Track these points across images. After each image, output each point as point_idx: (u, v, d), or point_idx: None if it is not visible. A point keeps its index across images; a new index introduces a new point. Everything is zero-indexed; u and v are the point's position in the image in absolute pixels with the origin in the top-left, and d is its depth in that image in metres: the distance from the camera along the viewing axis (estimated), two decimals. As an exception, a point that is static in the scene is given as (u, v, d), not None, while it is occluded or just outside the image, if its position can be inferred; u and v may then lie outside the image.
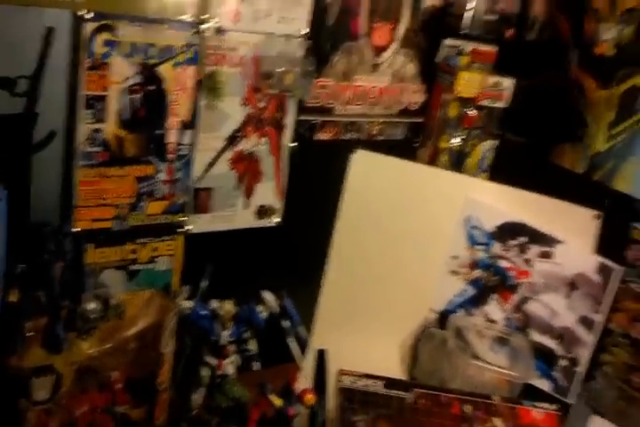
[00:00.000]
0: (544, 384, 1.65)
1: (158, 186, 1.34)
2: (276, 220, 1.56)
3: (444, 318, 1.69)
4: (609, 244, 1.64)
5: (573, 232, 1.65)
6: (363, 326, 1.62)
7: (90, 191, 1.26)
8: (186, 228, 1.42)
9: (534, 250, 1.68)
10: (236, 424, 1.20)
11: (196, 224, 1.44)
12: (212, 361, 1.25)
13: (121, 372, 1.11)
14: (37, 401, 1.00)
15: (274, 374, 1.29)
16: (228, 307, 1.29)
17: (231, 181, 1.46)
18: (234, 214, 1.49)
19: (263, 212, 1.53)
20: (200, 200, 1.43)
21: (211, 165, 1.41)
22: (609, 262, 1.62)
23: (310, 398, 1.21)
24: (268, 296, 1.31)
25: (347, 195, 1.61)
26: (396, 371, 1.63)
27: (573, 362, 1.64)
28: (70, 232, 1.17)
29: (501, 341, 1.67)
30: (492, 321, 1.71)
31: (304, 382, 1.28)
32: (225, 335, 1.26)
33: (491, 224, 1.71)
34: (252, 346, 1.29)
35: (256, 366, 1.28)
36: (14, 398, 0.98)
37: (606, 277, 1.62)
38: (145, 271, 1.38)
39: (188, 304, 1.25)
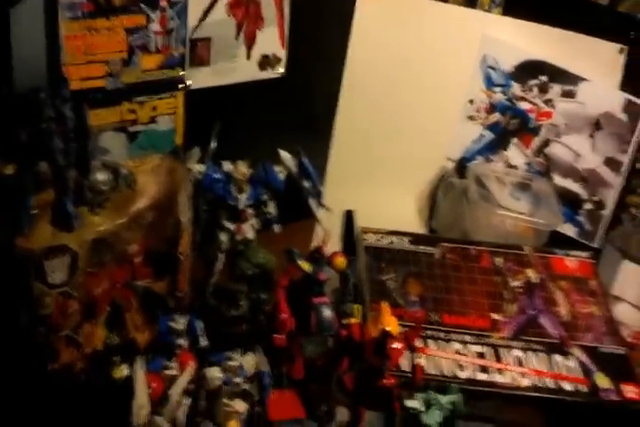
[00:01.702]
0: (569, 230, 1.60)
1: (151, 38, 1.21)
2: (280, 70, 1.42)
3: (462, 166, 1.61)
4: (636, 80, 1.53)
5: (597, 68, 1.54)
6: (377, 181, 1.54)
7: (78, 47, 1.13)
8: (185, 83, 1.29)
9: (556, 89, 1.58)
10: (265, 292, 1.14)
11: (196, 79, 1.31)
12: (231, 226, 1.16)
13: (139, 245, 1.02)
14: (54, 284, 0.91)
15: (294, 233, 1.21)
16: (242, 168, 1.18)
17: (230, 30, 1.32)
18: (235, 66, 1.36)
19: (266, 62, 1.40)
20: (198, 52, 1.30)
21: (207, 11, 1.26)
22: (636, 99, 1.51)
23: (341, 260, 1.14)
24: (285, 155, 1.20)
25: (354, 38, 1.47)
26: (415, 225, 1.57)
27: (599, 205, 1.58)
28: (69, 96, 1.03)
29: (524, 187, 1.60)
30: (513, 167, 1.63)
31: (332, 244, 1.21)
32: (242, 199, 1.17)
33: (509, 63, 1.59)
34: (271, 208, 1.20)
35: (277, 228, 1.20)
36: (28, 283, 0.89)
37: (633, 114, 1.53)
38: (146, 132, 1.27)
39: (199, 168, 1.14)
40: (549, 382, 1.20)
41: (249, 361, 1.00)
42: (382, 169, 1.56)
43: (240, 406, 0.93)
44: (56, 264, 0.92)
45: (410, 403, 1.05)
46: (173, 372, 0.92)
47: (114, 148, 1.24)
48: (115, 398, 0.89)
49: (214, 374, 0.93)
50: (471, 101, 1.62)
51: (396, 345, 1.04)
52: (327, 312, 1.11)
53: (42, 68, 1.08)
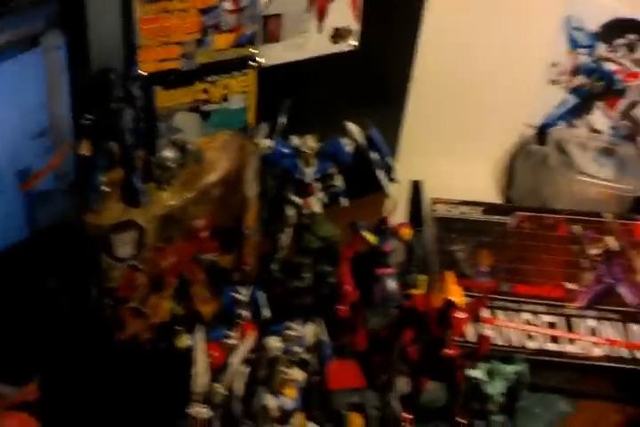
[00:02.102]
0: (656, 197, 1.54)
1: (224, 17, 1.22)
2: (353, 43, 1.42)
3: (542, 133, 1.57)
4: None
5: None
6: (453, 151, 1.52)
7: (152, 29, 1.16)
8: (257, 60, 1.31)
9: (645, 48, 1.50)
10: (330, 264, 1.16)
11: (268, 56, 1.32)
12: (298, 200, 1.18)
13: (206, 219, 1.06)
14: (122, 258, 0.97)
15: (362, 207, 1.22)
16: (310, 143, 1.20)
17: (302, 3, 1.32)
18: (307, 41, 1.37)
19: (339, 35, 1.40)
20: (270, 29, 1.31)
21: (278, -14, 1.27)
22: None
23: (407, 232, 1.14)
24: (353, 128, 1.20)
25: (429, 4, 1.44)
26: (492, 195, 1.54)
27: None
28: (138, 76, 1.08)
29: (608, 152, 1.54)
30: (597, 131, 1.57)
31: (398, 215, 1.21)
32: (309, 173, 1.18)
33: (595, 23, 1.52)
34: (339, 182, 1.21)
35: (344, 202, 1.21)
36: (97, 256, 0.95)
37: None
38: (219, 111, 1.31)
39: (267, 143, 1.17)
40: (623, 352, 1.17)
41: (309, 331, 1.02)
42: (458, 139, 1.54)
43: (298, 374, 0.95)
44: (123, 239, 0.97)
45: (472, 373, 1.05)
46: (234, 341, 0.95)
47: (187, 127, 1.28)
48: (178, 366, 0.93)
49: (274, 343, 0.96)
50: (554, 65, 1.57)
51: (460, 315, 1.04)
52: (392, 283, 1.12)
53: (116, 50, 1.13)
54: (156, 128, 1.11)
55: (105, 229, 0.96)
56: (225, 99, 1.31)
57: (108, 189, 1.00)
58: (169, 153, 1.06)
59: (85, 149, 1.00)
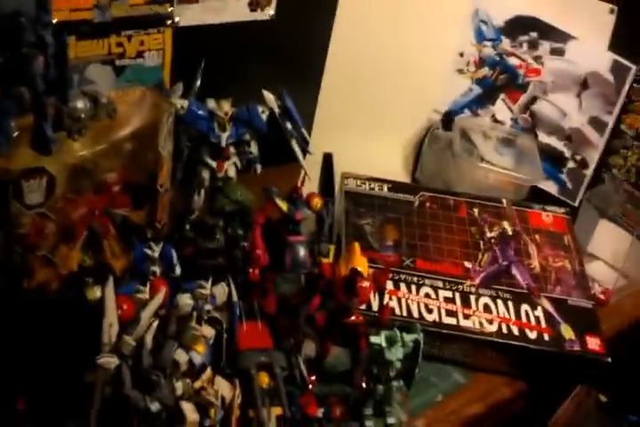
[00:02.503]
0: (551, 187, 1.62)
1: (139, -29, 1.20)
2: (270, 12, 1.42)
3: (448, 119, 1.62)
4: (624, 41, 1.53)
5: (587, 27, 1.53)
6: (364, 128, 1.54)
7: (65, -24, 1.12)
8: (173, 20, 1.29)
9: (545, 46, 1.58)
10: (241, 227, 1.15)
11: (185, 16, 1.30)
12: (212, 163, 1.17)
13: (118, 174, 1.03)
14: (31, 205, 0.93)
15: (276, 175, 1.22)
16: (225, 107, 1.19)
17: (221, -33, 1.31)
18: (225, 5, 1.35)
19: (256, 3, 1.39)
20: (187, -12, 1.29)
21: (197, -55, 1.25)
22: (624, 61, 1.52)
23: (317, 201, 1.15)
24: (268, 95, 1.20)
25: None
26: (399, 174, 1.58)
27: (582, 164, 1.59)
28: (51, 22, 1.03)
29: (508, 142, 1.61)
30: (499, 122, 1.64)
31: (310, 186, 1.22)
32: (224, 137, 1.18)
33: (500, 18, 1.59)
34: (253, 148, 1.21)
35: (258, 168, 1.21)
36: (5, 202, 0.90)
37: (620, 76, 1.53)
38: (133, 67, 1.28)
39: (182, 103, 1.15)
40: (515, 330, 1.23)
41: (220, 291, 1.02)
42: (369, 118, 1.56)
43: (207, 331, 0.95)
44: (33, 185, 0.93)
45: (374, 339, 1.07)
46: (145, 296, 0.94)
47: (100, 80, 1.24)
48: (87, 317, 0.91)
49: (185, 300, 0.95)
50: (461, 54, 1.63)
51: (364, 284, 1.06)
52: (302, 251, 1.13)
53: (27, -6, 1.07)
54: (68, 76, 1.07)
55: (14, 174, 0.92)
56: (140, 55, 1.28)
57: (17, 133, 0.95)
58: (80, 104, 1.02)
59: (-8, 93, 0.96)
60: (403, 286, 1.25)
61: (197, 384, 0.90)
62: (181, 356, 0.90)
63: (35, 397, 0.93)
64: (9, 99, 0.96)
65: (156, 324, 0.91)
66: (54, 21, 1.11)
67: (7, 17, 0.98)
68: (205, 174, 1.19)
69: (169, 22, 1.29)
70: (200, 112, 1.17)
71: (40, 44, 0.99)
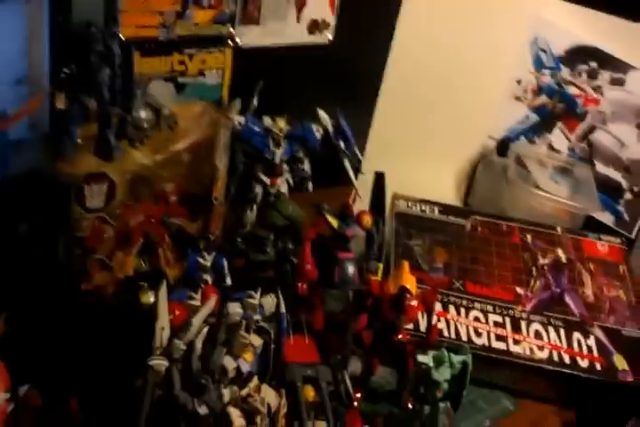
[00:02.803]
0: (607, 218, 1.59)
1: (205, -7, 1.23)
2: (328, 35, 1.44)
3: (503, 146, 1.62)
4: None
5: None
6: (418, 151, 1.55)
7: (135, -4, 1.15)
8: (235, 40, 1.32)
9: (605, 76, 1.57)
10: (292, 242, 1.16)
11: (245, 37, 1.33)
12: (266, 179, 1.19)
13: (175, 184, 1.06)
14: (91, 209, 0.95)
15: (328, 195, 1.23)
16: (280, 124, 1.20)
17: (282, -9, 1.34)
18: (284, 28, 1.38)
19: (315, 26, 1.42)
20: (248, 10, 1.32)
21: (259, -31, 1.29)
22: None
23: (368, 219, 1.15)
24: (323, 114, 1.22)
25: (405, 10, 1.48)
26: (451, 199, 1.58)
27: (639, 195, 1.57)
28: (118, 33, 1.07)
29: (564, 171, 1.60)
30: (556, 150, 1.62)
31: (361, 204, 1.23)
32: (278, 153, 1.19)
33: (560, 47, 1.58)
34: (306, 166, 1.22)
35: (309, 186, 1.22)
36: (68, 205, 0.93)
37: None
38: (194, 85, 1.31)
39: (239, 119, 1.17)
40: (566, 358, 1.20)
41: (268, 302, 1.02)
42: (423, 142, 1.57)
43: (256, 340, 0.95)
44: (95, 190, 0.96)
45: (421, 358, 1.06)
46: (197, 302, 0.95)
47: (162, 96, 1.27)
48: (140, 322, 0.92)
49: (235, 309, 0.95)
50: (519, 82, 1.62)
51: (412, 302, 1.06)
52: (351, 268, 1.13)
53: (99, 6, 1.12)
54: (133, 87, 1.10)
55: (78, 178, 0.95)
56: (201, 73, 1.31)
57: (82, 142, 0.99)
58: (143, 114, 1.06)
59: (60, 103, 1.00)
60: (452, 309, 1.24)
61: (244, 392, 0.91)
62: (230, 362, 0.90)
63: (87, 398, 0.94)
64: (76, 106, 1.00)
65: (205, 330, 0.91)
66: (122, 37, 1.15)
67: (79, 27, 1.03)
68: (258, 190, 1.20)
69: (230, 42, 1.32)
70: (256, 128, 1.18)
71: (108, 54, 1.03)
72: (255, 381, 0.93)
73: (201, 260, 1.01)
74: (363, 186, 1.28)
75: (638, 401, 1.21)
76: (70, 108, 1.00)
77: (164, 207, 1.05)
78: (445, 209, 1.42)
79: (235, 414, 0.86)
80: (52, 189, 0.96)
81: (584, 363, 1.20)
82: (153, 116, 1.06)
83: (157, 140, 1.05)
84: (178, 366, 0.86)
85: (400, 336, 1.09)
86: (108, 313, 0.96)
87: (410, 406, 1.09)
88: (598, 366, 1.20)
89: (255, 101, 1.22)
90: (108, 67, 1.04)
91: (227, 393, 0.89)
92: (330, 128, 1.22)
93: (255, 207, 1.20)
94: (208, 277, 1.01)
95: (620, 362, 1.22)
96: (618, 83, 1.57)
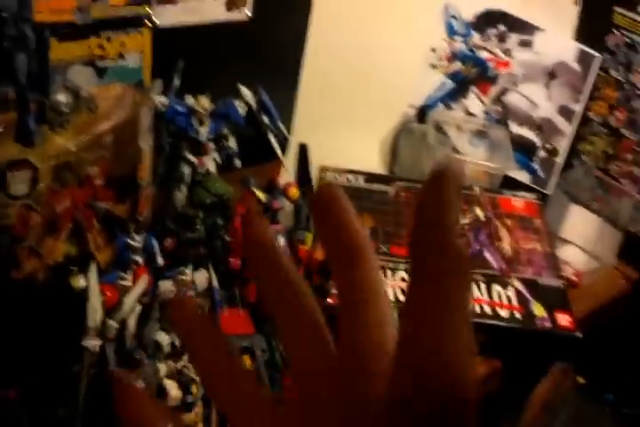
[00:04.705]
0: (523, 176, 1.67)
1: (118, -27, 1.23)
2: (247, 12, 1.46)
3: (423, 113, 1.66)
4: (589, 30, 1.58)
5: (552, 19, 1.59)
6: (341, 123, 1.58)
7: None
8: (153, 20, 1.33)
9: (514, 39, 1.63)
10: (222, 219, 1.19)
11: (163, 17, 1.34)
12: (193, 158, 1.21)
13: (100, 168, 1.07)
14: (16, 196, 0.97)
15: (256, 172, 1.26)
16: (204, 102, 1.23)
17: (197, -32, 1.35)
18: (202, 6, 1.39)
19: (233, 3, 1.43)
20: (166, -11, 1.32)
21: (173, -52, 1.29)
22: (589, 50, 1.58)
23: (294, 191, 1.20)
24: (246, 91, 1.25)
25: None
26: (376, 167, 1.62)
27: (552, 153, 1.64)
28: (31, 18, 1.07)
29: (481, 134, 1.66)
30: (472, 114, 1.68)
31: (287, 176, 1.26)
32: (203, 132, 1.22)
33: (469, 13, 1.63)
34: (232, 143, 1.25)
35: (237, 163, 1.25)
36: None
37: (586, 65, 1.59)
38: (114, 68, 1.31)
39: (162, 99, 1.19)
40: (487, 309, 1.27)
41: (201, 277, 1.06)
42: (347, 113, 1.60)
43: (189, 315, 0.98)
44: (18, 177, 0.97)
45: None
46: (128, 283, 0.98)
47: (82, 82, 1.28)
48: (74, 306, 0.94)
49: (167, 286, 0.99)
50: (433, 50, 1.67)
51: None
52: (280, 239, 1.18)
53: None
54: (49, 71, 1.11)
55: (0, 166, 0.96)
56: (121, 56, 1.31)
57: (2, 129, 0.99)
58: (62, 97, 1.07)
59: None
60: (379, 272, 1.29)
61: (180, 364, 0.94)
62: (163, 338, 0.94)
63: (27, 385, 0.96)
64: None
65: (139, 308, 0.95)
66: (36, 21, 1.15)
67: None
68: (186, 170, 1.22)
69: (148, 23, 1.32)
70: (179, 108, 1.21)
71: (21, 38, 1.03)
72: (191, 353, 0.97)
73: (131, 241, 1.04)
74: (289, 160, 1.32)
75: (556, 346, 1.29)
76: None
77: (91, 191, 1.06)
78: (370, 177, 1.47)
79: (171, 385, 0.90)
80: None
81: (504, 313, 1.27)
82: (72, 100, 1.07)
83: (79, 123, 1.06)
84: (112, 345, 0.89)
85: (330, 300, 1.14)
86: (41, 300, 0.98)
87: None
88: (518, 315, 1.27)
89: (177, 81, 1.24)
90: (23, 52, 1.04)
91: (162, 368, 0.92)
92: (253, 104, 1.25)
93: (184, 187, 1.23)
94: (139, 259, 1.04)
95: (539, 310, 1.29)
96: (526, 45, 1.63)
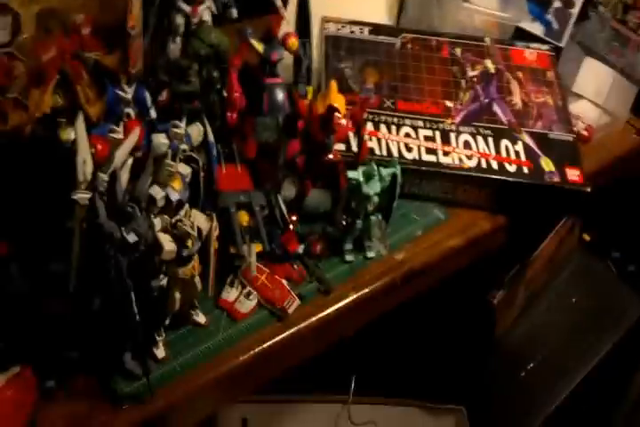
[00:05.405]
0: (537, 28, 1.58)
1: None
2: None
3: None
4: None
5: None
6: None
7: None
8: None
9: None
10: (216, 70, 1.14)
11: None
12: (186, 8, 1.15)
13: (87, 15, 1.01)
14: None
15: (255, 25, 1.19)
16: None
17: None
18: None
19: None
20: None
21: None
22: None
23: (293, 41, 1.13)
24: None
25: None
26: (383, 21, 1.54)
27: (568, 3, 1.54)
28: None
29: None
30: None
31: (286, 27, 1.20)
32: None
33: None
34: (228, -10, 1.17)
35: (234, 13, 1.18)
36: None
37: None
38: None
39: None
40: (494, 164, 1.24)
41: (195, 130, 1.03)
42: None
43: (183, 168, 0.96)
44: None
45: (351, 174, 1.09)
46: (119, 136, 0.94)
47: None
48: (63, 159, 0.92)
49: (160, 139, 0.95)
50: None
51: (341, 120, 1.06)
52: (280, 93, 1.13)
53: None
54: None
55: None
56: None
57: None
58: None
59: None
60: (383, 127, 1.25)
61: (175, 219, 0.93)
62: (157, 191, 0.92)
63: (18, 241, 0.96)
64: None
65: (130, 161, 0.92)
66: None
67: None
68: (179, 20, 1.16)
69: None
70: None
71: None
72: (186, 209, 0.95)
73: (121, 93, 1.00)
74: (290, 13, 1.24)
75: (564, 201, 1.27)
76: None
77: (78, 40, 1.01)
78: (375, 29, 1.40)
79: (165, 239, 0.89)
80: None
81: (512, 168, 1.24)
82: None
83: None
84: (103, 197, 0.87)
85: (331, 156, 1.11)
86: (28, 153, 0.95)
87: (344, 223, 1.13)
88: (526, 170, 1.24)
89: None
90: None
91: (157, 222, 0.91)
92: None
93: (178, 39, 1.17)
94: (131, 111, 1.00)
95: (547, 164, 1.26)
96: None
